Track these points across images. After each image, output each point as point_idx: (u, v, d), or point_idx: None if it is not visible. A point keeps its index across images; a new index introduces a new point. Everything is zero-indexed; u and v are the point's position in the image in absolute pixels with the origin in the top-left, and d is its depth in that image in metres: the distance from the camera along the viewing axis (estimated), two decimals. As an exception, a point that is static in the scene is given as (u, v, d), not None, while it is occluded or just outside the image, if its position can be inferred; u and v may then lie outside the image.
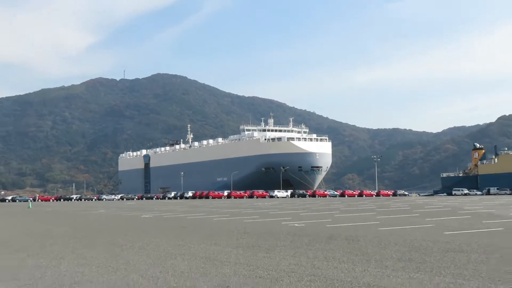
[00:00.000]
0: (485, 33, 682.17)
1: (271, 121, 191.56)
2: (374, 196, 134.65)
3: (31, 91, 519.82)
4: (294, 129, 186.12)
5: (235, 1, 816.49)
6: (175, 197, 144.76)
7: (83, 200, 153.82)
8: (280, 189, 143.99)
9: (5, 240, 26.16)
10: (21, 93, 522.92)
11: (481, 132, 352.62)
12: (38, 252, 20.29)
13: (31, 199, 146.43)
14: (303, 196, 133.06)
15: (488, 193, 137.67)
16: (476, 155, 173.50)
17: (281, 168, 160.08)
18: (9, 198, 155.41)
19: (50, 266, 16.41)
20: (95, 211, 62.35)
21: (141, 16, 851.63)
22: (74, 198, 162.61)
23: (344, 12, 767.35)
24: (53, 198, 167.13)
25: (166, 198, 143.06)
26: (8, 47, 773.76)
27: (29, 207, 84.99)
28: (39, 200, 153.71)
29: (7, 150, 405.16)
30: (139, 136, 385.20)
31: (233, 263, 16.12)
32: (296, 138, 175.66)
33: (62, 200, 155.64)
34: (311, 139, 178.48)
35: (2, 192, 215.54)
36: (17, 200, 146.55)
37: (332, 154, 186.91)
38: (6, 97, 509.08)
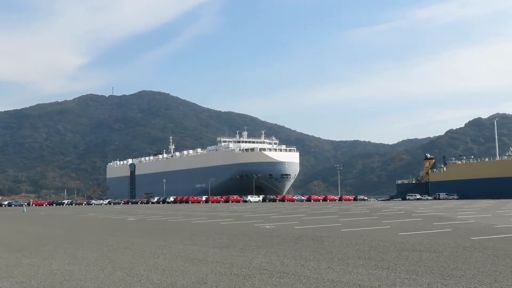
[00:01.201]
0: (431, 58, 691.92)
1: (245, 133, 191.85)
2: (337, 200, 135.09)
3: (27, 106, 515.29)
4: (266, 140, 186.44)
5: (213, 27, 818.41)
6: (158, 202, 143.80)
7: (73, 204, 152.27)
8: (253, 195, 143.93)
9: (1, 241, 25.77)
10: (18, 108, 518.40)
11: (431, 144, 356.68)
12: (32, 252, 20.04)
13: (25, 204, 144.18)
14: (274, 200, 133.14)
15: (438, 198, 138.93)
16: (427, 164, 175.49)
17: (254, 175, 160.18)
18: (5, 203, 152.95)
19: (43, 265, 16.20)
20: (85, 215, 61.73)
21: (129, 39, 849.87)
22: (66, 203, 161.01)
23: (310, 37, 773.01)
24: (46, 203, 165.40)
25: (150, 203, 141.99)
26: (8, 65, 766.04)
27: (23, 211, 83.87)
28: (33, 204, 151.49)
29: (4, 159, 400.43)
30: (126, 147, 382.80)
31: (210, 262, 16.03)
32: (268, 148, 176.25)
33: (54, 204, 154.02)
34: (280, 150, 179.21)
35: None
36: (13, 205, 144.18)
37: (300, 163, 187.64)
38: (5, 111, 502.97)
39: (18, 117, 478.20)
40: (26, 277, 13.86)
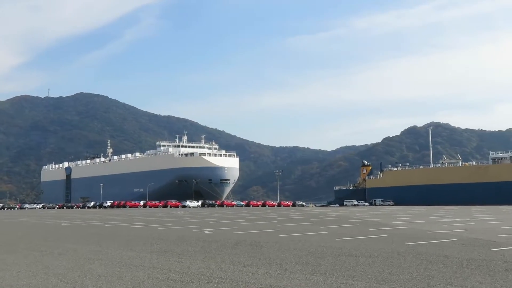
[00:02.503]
0: (369, 66, 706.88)
1: (184, 138, 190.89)
2: (276, 206, 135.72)
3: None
4: (206, 145, 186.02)
5: (154, 30, 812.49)
6: (94, 207, 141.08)
7: (5, 209, 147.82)
8: (192, 200, 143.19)
9: None
10: None
11: (369, 151, 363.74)
12: (-40, 258, 19.28)
13: None
14: (213, 206, 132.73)
15: (374, 204, 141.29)
16: (364, 171, 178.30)
17: (193, 180, 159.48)
18: None
19: (-29, 271, 15.61)
20: (17, 219, 59.96)
21: (67, 40, 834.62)
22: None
23: (251, 43, 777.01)
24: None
25: (86, 208, 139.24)
26: None
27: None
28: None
29: None
30: (62, 150, 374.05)
31: (147, 267, 15.84)
32: (207, 153, 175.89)
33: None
34: (220, 155, 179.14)
35: None
36: None
37: (239, 168, 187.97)
38: None
39: None
40: (-46, 284, 13.36)
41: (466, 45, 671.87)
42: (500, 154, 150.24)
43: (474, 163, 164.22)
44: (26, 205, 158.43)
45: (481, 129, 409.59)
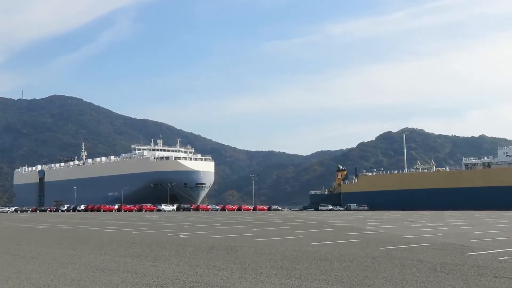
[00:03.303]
0: (345, 72, 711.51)
1: (160, 141, 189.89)
2: (251, 210, 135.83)
3: None
4: (181, 149, 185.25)
5: (129, 33, 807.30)
6: (68, 210, 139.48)
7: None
8: (167, 203, 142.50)
9: None
10: None
11: (344, 156, 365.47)
12: None
13: None
14: (188, 210, 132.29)
15: (349, 208, 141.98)
16: (339, 175, 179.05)
17: (168, 184, 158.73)
18: None
19: None
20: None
21: (40, 41, 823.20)
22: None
23: (227, 47, 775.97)
24: None
25: (59, 211, 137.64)
26: None
27: None
28: None
29: None
30: (35, 153, 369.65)
31: (122, 271, 15.73)
32: (183, 157, 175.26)
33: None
34: (196, 159, 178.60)
35: None
36: None
37: (215, 172, 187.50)
38: None
39: None
40: None
41: (439, 52, 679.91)
42: (473, 160, 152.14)
43: (447, 168, 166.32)
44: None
45: (455, 135, 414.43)
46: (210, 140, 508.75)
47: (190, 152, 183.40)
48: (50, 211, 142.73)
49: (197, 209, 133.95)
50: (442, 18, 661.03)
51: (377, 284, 13.19)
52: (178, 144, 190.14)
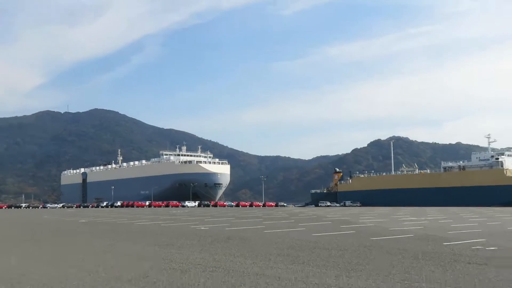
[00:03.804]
0: (340, 88, 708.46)
1: (184, 148, 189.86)
2: (261, 206, 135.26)
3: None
4: (202, 154, 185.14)
5: (156, 56, 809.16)
6: (106, 206, 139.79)
7: (30, 208, 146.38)
8: (190, 200, 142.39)
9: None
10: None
11: (340, 160, 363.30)
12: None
13: None
14: (208, 206, 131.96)
15: (344, 205, 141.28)
16: (336, 177, 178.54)
17: (191, 184, 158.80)
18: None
19: (1, 261, 15.50)
20: (40, 217, 59.42)
21: (82, 63, 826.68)
22: (23, 206, 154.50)
23: (239, 68, 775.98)
24: (5, 206, 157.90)
25: (100, 207, 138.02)
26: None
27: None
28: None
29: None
30: (79, 158, 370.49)
31: (152, 258, 15.82)
32: (203, 161, 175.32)
33: (12, 207, 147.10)
34: (214, 163, 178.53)
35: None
36: None
37: (230, 174, 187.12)
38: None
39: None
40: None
41: (421, 72, 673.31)
42: (450, 164, 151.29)
43: (428, 171, 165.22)
44: (48, 205, 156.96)
45: (434, 142, 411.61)
46: (226, 146, 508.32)
47: (210, 157, 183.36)
48: (92, 207, 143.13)
49: (215, 205, 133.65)
50: (423, 42, 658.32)
51: (368, 269, 13.20)
52: (199, 150, 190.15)
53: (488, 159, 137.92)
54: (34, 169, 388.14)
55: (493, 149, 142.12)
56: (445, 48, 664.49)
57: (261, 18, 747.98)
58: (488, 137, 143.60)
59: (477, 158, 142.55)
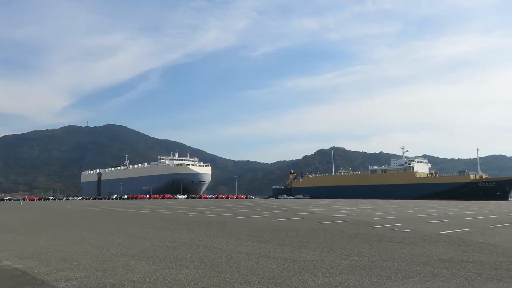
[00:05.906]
0: (294, 111, 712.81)
1: (176, 154, 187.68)
2: (235, 198, 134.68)
3: (26, 132, 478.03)
4: (190, 159, 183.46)
5: (157, 84, 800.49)
6: (116, 198, 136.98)
7: (57, 200, 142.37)
8: (180, 194, 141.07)
9: (4, 225, 23.61)
10: (19, 133, 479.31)
11: (294, 164, 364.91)
12: (26, 232, 18.50)
13: (21, 199, 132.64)
14: (194, 198, 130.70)
15: (297, 198, 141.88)
16: (291, 176, 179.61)
17: (182, 181, 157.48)
18: (7, 198, 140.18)
19: (31, 241, 14.99)
20: (65, 207, 57.85)
21: (100, 89, 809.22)
22: (51, 198, 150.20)
23: (221, 95, 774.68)
24: (37, 198, 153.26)
25: (111, 199, 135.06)
26: (12, 103, 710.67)
27: (20, 204, 77.26)
28: (27, 200, 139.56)
29: (7, 168, 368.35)
30: (95, 161, 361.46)
31: (150, 238, 15.51)
32: (191, 164, 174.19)
33: (43, 200, 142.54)
34: (199, 165, 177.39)
35: (2, 195, 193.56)
36: (12, 200, 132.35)
37: (211, 174, 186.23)
38: (9, 134, 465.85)
39: (19, 139, 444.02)
40: (20, 250, 12.78)
41: (354, 100, 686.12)
42: (375, 167, 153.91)
43: (359, 172, 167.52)
44: (71, 197, 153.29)
45: (364, 151, 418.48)
46: (209, 153, 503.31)
47: (196, 161, 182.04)
48: (105, 199, 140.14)
49: (200, 198, 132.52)
50: (356, 78, 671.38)
51: (315, 246, 13.20)
52: (188, 155, 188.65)
53: (403, 165, 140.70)
54: (60, 170, 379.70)
55: (406, 157, 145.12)
56: (372, 82, 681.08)
57: (236, 58, 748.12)
58: (403, 148, 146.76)
59: (394, 163, 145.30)
